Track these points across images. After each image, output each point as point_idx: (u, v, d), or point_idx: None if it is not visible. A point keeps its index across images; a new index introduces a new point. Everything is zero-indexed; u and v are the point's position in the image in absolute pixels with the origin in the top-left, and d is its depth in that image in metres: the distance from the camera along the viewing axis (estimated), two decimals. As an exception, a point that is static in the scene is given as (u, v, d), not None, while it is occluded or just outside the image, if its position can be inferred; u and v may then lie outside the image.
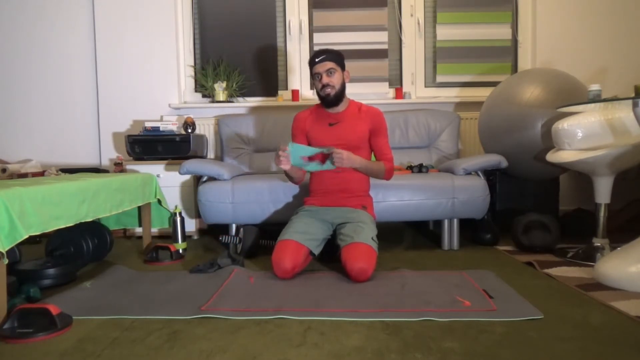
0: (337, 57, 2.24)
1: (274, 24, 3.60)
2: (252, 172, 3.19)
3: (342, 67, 2.26)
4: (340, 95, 2.26)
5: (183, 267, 2.37)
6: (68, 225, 1.85)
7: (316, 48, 3.49)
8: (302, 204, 2.40)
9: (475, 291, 1.82)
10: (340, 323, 1.55)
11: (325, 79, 2.20)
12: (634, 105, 1.87)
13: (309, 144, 2.36)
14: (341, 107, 2.31)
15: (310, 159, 2.21)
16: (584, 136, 2.26)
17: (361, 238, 2.04)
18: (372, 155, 2.39)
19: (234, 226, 2.69)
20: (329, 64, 2.20)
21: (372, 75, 3.56)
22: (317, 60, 2.20)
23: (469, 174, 2.64)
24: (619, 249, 1.96)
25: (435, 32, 3.58)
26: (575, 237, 2.78)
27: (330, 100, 2.24)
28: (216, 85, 3.48)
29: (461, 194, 2.53)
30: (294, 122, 2.41)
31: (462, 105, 3.53)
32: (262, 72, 3.62)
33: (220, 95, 3.48)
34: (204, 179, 2.72)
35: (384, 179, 2.34)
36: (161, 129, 3.16)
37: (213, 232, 3.30)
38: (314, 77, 2.24)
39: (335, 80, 2.21)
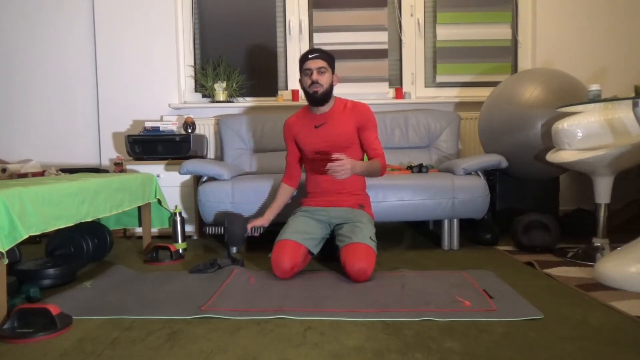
0: (329, 58, 2.24)
1: (274, 24, 3.60)
2: (252, 172, 3.20)
3: (333, 70, 2.26)
4: (327, 95, 2.25)
5: (183, 267, 2.37)
6: (68, 225, 1.85)
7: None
8: (300, 205, 2.40)
9: (475, 291, 1.82)
10: (340, 323, 1.55)
11: (315, 76, 2.18)
12: (634, 105, 1.87)
13: (299, 149, 2.38)
14: (326, 108, 2.29)
15: None
16: (584, 136, 2.26)
17: (359, 238, 2.04)
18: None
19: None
20: (321, 62, 2.20)
21: (372, 75, 3.56)
22: (310, 56, 2.20)
23: (469, 174, 2.64)
24: (619, 249, 1.96)
25: (435, 32, 3.58)
26: (575, 237, 2.78)
27: (317, 98, 2.22)
28: (216, 85, 3.47)
29: (461, 194, 2.53)
30: (284, 130, 2.42)
31: (462, 105, 3.53)
32: (262, 72, 3.62)
33: (220, 95, 3.48)
34: (204, 179, 2.72)
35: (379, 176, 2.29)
36: (161, 129, 3.16)
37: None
38: (304, 72, 2.22)
39: (324, 79, 2.20)
